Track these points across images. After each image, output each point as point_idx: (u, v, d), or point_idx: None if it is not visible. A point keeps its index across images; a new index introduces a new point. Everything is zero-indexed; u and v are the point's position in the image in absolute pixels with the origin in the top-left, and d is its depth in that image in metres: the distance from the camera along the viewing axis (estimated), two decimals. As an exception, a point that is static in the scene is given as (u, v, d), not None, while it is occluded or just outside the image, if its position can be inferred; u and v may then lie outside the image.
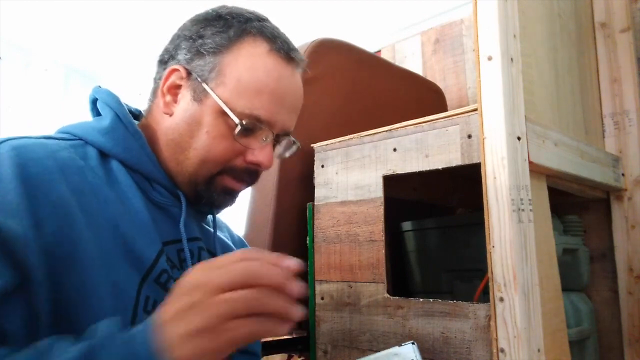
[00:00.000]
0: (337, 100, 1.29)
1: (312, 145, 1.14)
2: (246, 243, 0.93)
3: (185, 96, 0.70)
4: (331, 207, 1.06)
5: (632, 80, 1.24)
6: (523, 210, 0.76)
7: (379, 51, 2.14)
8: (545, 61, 1.00)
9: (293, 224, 1.15)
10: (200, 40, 0.70)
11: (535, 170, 0.86)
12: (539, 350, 0.73)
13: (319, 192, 1.10)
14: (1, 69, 3.38)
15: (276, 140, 0.74)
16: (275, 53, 0.70)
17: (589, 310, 1.15)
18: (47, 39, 3.49)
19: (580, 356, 1.10)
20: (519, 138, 0.79)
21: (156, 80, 0.75)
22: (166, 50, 0.75)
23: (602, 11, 1.32)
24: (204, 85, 0.68)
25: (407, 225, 1.31)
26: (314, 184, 1.12)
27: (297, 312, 0.50)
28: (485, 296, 0.82)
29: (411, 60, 2.01)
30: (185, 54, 0.71)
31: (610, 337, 1.19)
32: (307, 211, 1.12)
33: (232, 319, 0.46)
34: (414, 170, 0.93)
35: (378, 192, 0.98)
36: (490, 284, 0.75)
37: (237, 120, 0.67)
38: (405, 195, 1.24)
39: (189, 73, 0.70)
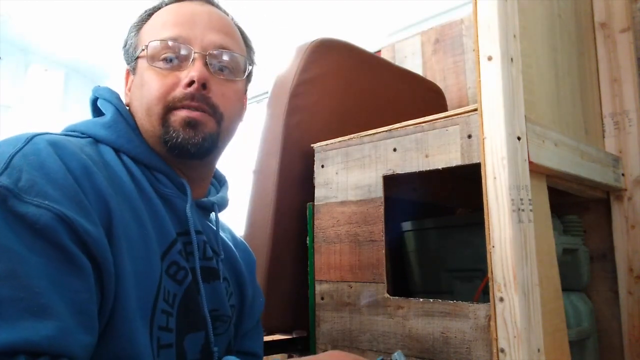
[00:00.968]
0: (337, 100, 1.29)
1: (312, 145, 1.14)
2: (249, 248, 0.93)
3: (130, 79, 0.78)
4: (331, 207, 1.06)
5: (632, 80, 1.24)
6: (523, 210, 0.76)
7: (379, 51, 2.14)
8: (545, 61, 1.00)
9: (293, 224, 1.15)
10: (127, 42, 0.79)
11: (535, 170, 0.86)
12: (539, 350, 0.73)
13: (319, 192, 1.10)
14: (1, 69, 3.38)
15: (208, 59, 0.73)
16: (168, 4, 0.77)
17: (589, 310, 1.15)
18: (47, 39, 3.50)
19: (580, 356, 1.10)
20: (519, 138, 0.79)
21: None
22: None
23: (602, 11, 1.32)
24: (133, 57, 0.76)
25: (407, 225, 1.31)
26: (314, 184, 1.12)
27: None
28: (485, 296, 0.82)
29: (411, 60, 2.01)
30: (125, 58, 0.79)
31: (610, 337, 1.19)
32: (307, 211, 1.12)
33: None
34: (414, 170, 0.93)
35: (378, 192, 0.98)
36: (490, 284, 0.75)
37: (143, 46, 0.73)
38: (405, 195, 1.24)
39: (128, 64, 0.78)
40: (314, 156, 1.13)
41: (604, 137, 1.26)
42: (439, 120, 0.90)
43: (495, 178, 0.76)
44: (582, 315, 1.12)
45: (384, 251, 0.96)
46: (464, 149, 0.86)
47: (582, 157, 1.02)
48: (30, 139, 0.59)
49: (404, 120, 0.96)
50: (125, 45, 0.79)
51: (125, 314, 0.58)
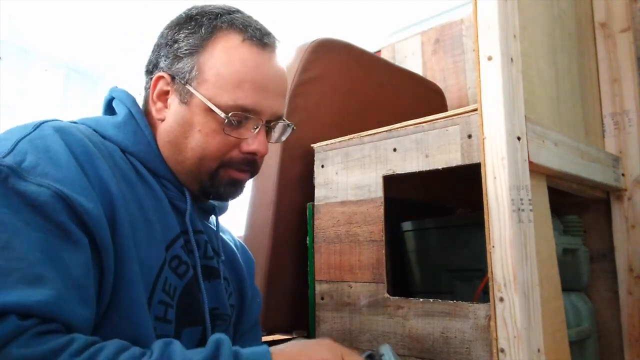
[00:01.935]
0: (337, 100, 1.29)
1: (312, 145, 1.14)
2: (247, 249, 0.94)
3: (174, 100, 0.73)
4: (331, 207, 1.06)
5: (632, 80, 1.24)
6: (523, 210, 0.76)
7: (379, 51, 2.14)
8: (545, 61, 1.00)
9: (293, 224, 1.15)
10: (176, 45, 0.73)
11: (535, 170, 0.86)
12: (539, 350, 0.73)
13: (319, 192, 1.10)
14: (1, 69, 3.38)
15: (268, 127, 0.76)
16: (248, 42, 0.72)
17: (589, 310, 1.15)
18: (47, 39, 3.50)
19: (580, 356, 1.10)
20: (519, 138, 0.79)
21: (146, 89, 0.78)
22: (150, 61, 0.78)
23: (602, 11, 1.32)
24: (187, 86, 0.71)
25: (407, 225, 1.31)
26: (314, 184, 1.12)
27: None
28: (485, 296, 0.82)
29: (411, 60, 2.01)
30: (165, 60, 0.74)
31: (610, 337, 1.19)
32: (307, 211, 1.12)
33: None
34: (414, 170, 0.92)
35: (378, 192, 0.98)
36: (490, 284, 0.75)
37: (223, 115, 0.69)
38: (405, 195, 1.24)
39: (172, 78, 0.73)
40: (314, 156, 1.13)
41: (604, 137, 1.26)
42: (439, 120, 0.90)
43: (495, 178, 0.76)
44: (582, 315, 1.12)
45: (384, 251, 0.96)
46: (464, 149, 0.85)
47: (582, 157, 1.02)
48: (39, 125, 0.61)
49: (404, 120, 0.96)
50: (170, 51, 0.73)
51: (131, 297, 0.59)
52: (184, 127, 0.72)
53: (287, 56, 1.26)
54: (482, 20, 0.82)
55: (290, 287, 1.13)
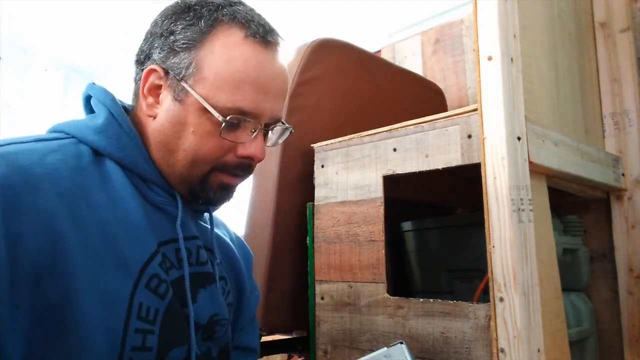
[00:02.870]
0: (337, 100, 1.29)
1: (312, 145, 1.14)
2: (244, 242, 0.93)
3: (166, 97, 0.68)
4: (331, 207, 1.06)
5: (632, 80, 1.24)
6: (523, 210, 0.76)
7: (379, 51, 2.14)
8: (545, 61, 1.00)
9: (293, 224, 1.15)
10: (172, 37, 0.67)
11: (535, 170, 0.86)
12: (539, 350, 0.73)
13: (319, 192, 1.10)
14: (1, 69, 3.38)
15: (266, 130, 0.72)
16: (251, 39, 0.67)
17: (589, 310, 1.15)
18: (47, 39, 3.50)
19: (580, 356, 1.10)
20: (519, 138, 0.79)
21: (136, 81, 0.72)
22: (141, 50, 0.72)
23: (602, 11, 1.32)
24: (182, 83, 0.66)
25: (407, 225, 1.31)
26: (314, 184, 1.12)
27: None
28: (485, 296, 0.82)
29: (411, 60, 2.01)
30: (159, 53, 0.68)
31: (610, 337, 1.19)
32: (307, 211, 1.12)
33: None
34: (414, 170, 0.92)
35: (378, 192, 0.98)
36: (490, 284, 0.75)
37: (220, 118, 0.64)
38: (405, 195, 1.24)
39: (166, 72, 0.67)
40: (314, 156, 1.13)
41: (604, 137, 1.26)
42: (439, 120, 0.90)
43: (495, 178, 0.76)
44: (582, 315, 1.12)
45: (384, 251, 0.96)
46: (464, 149, 0.85)
47: (582, 157, 1.02)
48: None
49: (404, 120, 0.96)
50: (165, 42, 0.68)
51: (84, 339, 0.55)
52: (176, 126, 0.67)
53: (287, 56, 1.26)
54: (482, 20, 0.82)
55: (290, 287, 1.13)
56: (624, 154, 1.22)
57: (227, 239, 0.85)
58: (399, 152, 0.96)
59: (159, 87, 0.68)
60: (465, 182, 1.18)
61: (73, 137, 0.66)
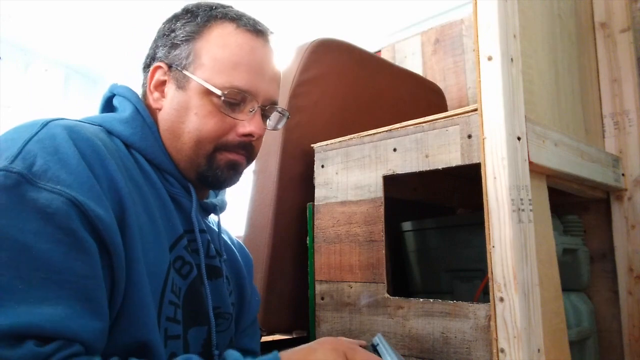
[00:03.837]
0: (337, 100, 1.29)
1: (312, 145, 1.14)
2: (245, 248, 0.94)
3: (170, 88, 0.74)
4: (331, 207, 1.06)
5: (632, 80, 1.24)
6: (523, 210, 0.76)
7: (379, 51, 2.14)
8: (545, 61, 1.00)
9: (293, 224, 1.15)
10: (172, 34, 0.75)
11: (535, 170, 0.86)
12: (539, 351, 0.73)
13: (319, 192, 1.10)
14: (1, 69, 3.38)
15: (263, 111, 0.77)
16: (242, 29, 0.74)
17: (589, 310, 1.15)
18: (47, 39, 3.49)
19: (580, 356, 1.10)
20: (519, 138, 0.79)
21: (144, 85, 0.78)
22: (147, 56, 0.79)
23: (602, 11, 1.32)
24: (184, 72, 0.72)
25: (407, 225, 1.31)
26: (314, 184, 1.11)
27: None
28: (485, 296, 0.82)
29: (411, 60, 2.01)
30: (162, 50, 0.75)
31: (610, 337, 1.19)
32: (307, 211, 1.12)
33: None
34: (414, 170, 0.92)
35: (378, 192, 0.98)
36: (490, 284, 0.75)
37: (219, 92, 0.70)
38: (405, 195, 1.24)
39: (169, 66, 0.74)
40: (314, 156, 1.13)
41: (604, 137, 1.26)
42: (439, 120, 0.90)
43: (495, 178, 0.76)
44: (582, 315, 1.12)
45: (384, 251, 0.96)
46: (464, 149, 0.85)
47: (582, 157, 1.02)
48: (46, 124, 0.60)
49: (404, 120, 0.96)
50: (167, 40, 0.75)
51: (139, 300, 0.59)
52: (180, 112, 0.72)
53: (286, 56, 1.26)
54: (482, 20, 0.82)
55: (290, 287, 1.13)
56: (624, 154, 1.22)
57: (230, 244, 0.88)
58: (399, 152, 0.96)
59: (164, 82, 0.75)
60: (465, 182, 1.18)
61: (101, 127, 0.70)
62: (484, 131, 0.79)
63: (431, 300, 0.86)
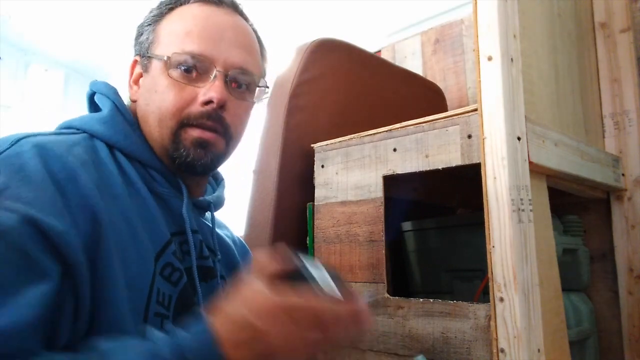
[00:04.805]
0: (337, 101, 1.29)
1: (312, 145, 1.13)
2: (246, 245, 0.93)
3: (142, 77, 0.74)
4: (331, 207, 1.06)
5: (632, 80, 1.24)
6: (523, 210, 0.76)
7: (379, 51, 2.14)
8: (545, 61, 1.00)
9: (293, 224, 1.15)
10: (141, 28, 0.76)
11: (535, 170, 0.86)
12: (539, 351, 0.73)
13: (319, 192, 1.10)
14: (1, 69, 3.38)
15: (228, 78, 0.72)
16: (203, 3, 0.74)
17: (589, 311, 1.15)
18: (47, 39, 3.49)
19: (580, 356, 1.10)
20: (519, 138, 0.79)
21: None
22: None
23: (602, 11, 1.32)
24: (147, 54, 0.72)
25: (407, 225, 1.31)
26: (314, 184, 1.11)
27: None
28: (485, 296, 0.82)
29: (411, 60, 2.01)
30: (135, 46, 0.76)
31: (610, 337, 1.19)
32: (307, 211, 1.12)
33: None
34: (414, 170, 0.92)
35: (378, 192, 0.98)
36: (490, 284, 0.75)
37: (165, 57, 0.69)
38: (405, 195, 1.24)
39: (140, 56, 0.75)
40: (314, 156, 1.13)
41: (604, 137, 1.26)
42: (439, 120, 0.90)
43: (495, 178, 0.76)
44: (582, 315, 1.12)
45: (384, 251, 0.96)
46: (464, 149, 0.85)
47: (582, 157, 1.02)
48: (16, 141, 0.58)
49: (404, 120, 0.96)
50: (139, 36, 0.76)
51: (114, 317, 0.57)
52: (146, 95, 0.72)
53: (286, 56, 1.26)
54: (482, 20, 0.82)
55: (290, 287, 1.13)
56: (624, 154, 1.22)
57: (229, 241, 0.86)
58: (399, 152, 0.96)
59: (141, 75, 0.75)
60: (465, 182, 1.18)
61: (84, 132, 0.68)
62: (484, 131, 0.79)
63: (431, 300, 0.86)
